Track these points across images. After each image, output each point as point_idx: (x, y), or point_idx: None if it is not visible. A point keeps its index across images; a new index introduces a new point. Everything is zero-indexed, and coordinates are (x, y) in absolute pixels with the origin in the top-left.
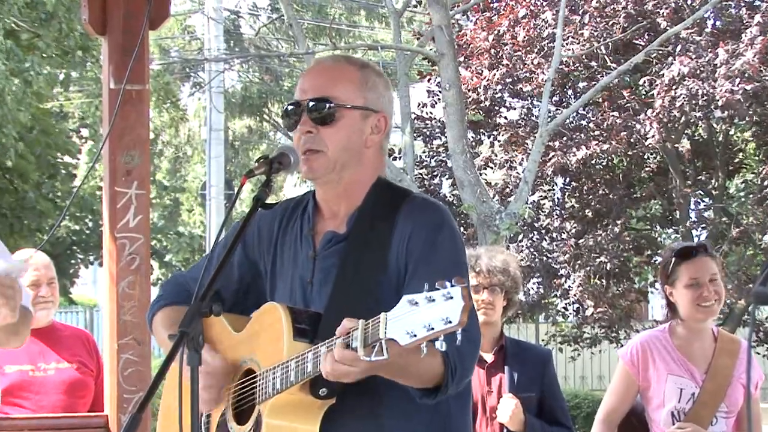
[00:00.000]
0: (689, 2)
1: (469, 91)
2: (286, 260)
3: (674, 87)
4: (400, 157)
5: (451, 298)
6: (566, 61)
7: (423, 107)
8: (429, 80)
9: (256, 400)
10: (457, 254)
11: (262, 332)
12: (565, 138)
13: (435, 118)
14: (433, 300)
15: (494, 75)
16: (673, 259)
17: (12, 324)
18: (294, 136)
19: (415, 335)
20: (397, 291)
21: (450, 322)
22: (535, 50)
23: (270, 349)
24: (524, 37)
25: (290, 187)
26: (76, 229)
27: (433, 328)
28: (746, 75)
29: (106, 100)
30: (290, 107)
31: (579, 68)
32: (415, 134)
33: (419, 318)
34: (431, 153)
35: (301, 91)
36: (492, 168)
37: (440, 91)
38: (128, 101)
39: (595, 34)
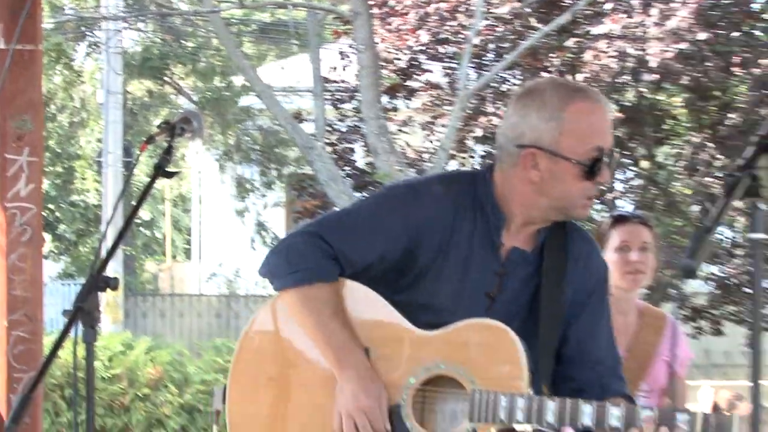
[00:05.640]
0: None
1: (386, 52)
2: (453, 262)
3: (604, 49)
4: (310, 120)
5: None
6: (490, 22)
7: (334, 70)
8: (341, 39)
9: (471, 417)
10: None
11: (481, 348)
12: (489, 103)
13: (346, 81)
14: None
15: (420, 37)
16: (609, 224)
17: None
18: (589, 185)
19: None
20: (564, 323)
21: None
22: (462, 10)
23: (498, 373)
24: None
25: (193, 154)
26: None
27: None
28: (679, 36)
29: None
30: (603, 154)
31: (503, 30)
32: (325, 98)
33: None
34: (342, 117)
35: (608, 133)
36: (408, 134)
37: (354, 53)
38: (19, 62)
39: None
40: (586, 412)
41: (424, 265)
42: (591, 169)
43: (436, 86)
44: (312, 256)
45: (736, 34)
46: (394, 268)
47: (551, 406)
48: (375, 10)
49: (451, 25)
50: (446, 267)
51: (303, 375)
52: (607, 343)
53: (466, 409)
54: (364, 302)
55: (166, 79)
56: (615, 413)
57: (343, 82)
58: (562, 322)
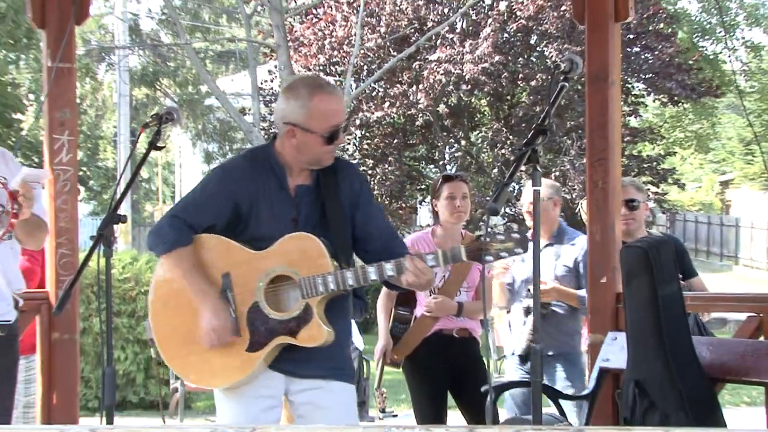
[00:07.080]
0: (446, 11)
1: (298, 70)
2: (264, 206)
3: (436, 69)
4: (250, 114)
5: (525, 238)
6: (364, 51)
7: (265, 82)
8: (270, 61)
9: (302, 295)
10: None
11: (297, 251)
12: (364, 103)
13: (273, 89)
14: (502, 235)
15: (320, 59)
16: (440, 181)
17: (30, 226)
18: (329, 147)
19: (491, 259)
20: (349, 221)
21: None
22: (345, 42)
23: (311, 264)
24: (342, 34)
25: (175, 135)
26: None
27: (503, 256)
28: (483, 60)
29: (45, 74)
30: (338, 127)
31: (372, 56)
32: (259, 100)
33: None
34: (271, 113)
35: (341, 113)
36: None
37: (278, 71)
38: (61, 75)
39: (388, 31)
40: (370, 271)
41: (246, 214)
42: (330, 138)
43: None
44: (171, 231)
45: (520, 59)
46: (230, 221)
47: (349, 275)
48: (290, 43)
49: (339, 53)
50: (261, 211)
51: (190, 306)
52: (382, 222)
53: (299, 292)
54: (219, 245)
55: (156, 87)
56: (388, 267)
57: (271, 89)
58: (347, 220)
